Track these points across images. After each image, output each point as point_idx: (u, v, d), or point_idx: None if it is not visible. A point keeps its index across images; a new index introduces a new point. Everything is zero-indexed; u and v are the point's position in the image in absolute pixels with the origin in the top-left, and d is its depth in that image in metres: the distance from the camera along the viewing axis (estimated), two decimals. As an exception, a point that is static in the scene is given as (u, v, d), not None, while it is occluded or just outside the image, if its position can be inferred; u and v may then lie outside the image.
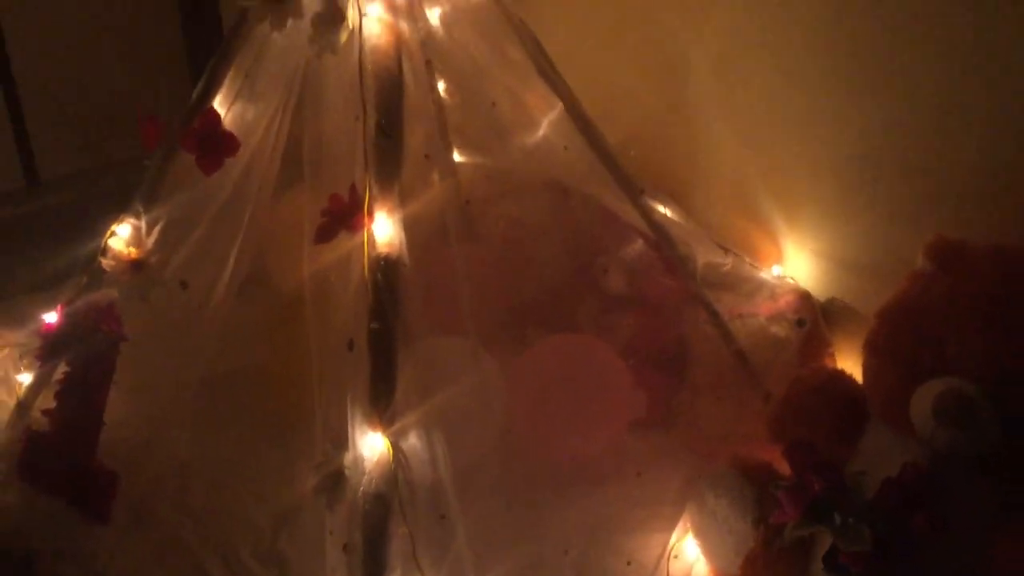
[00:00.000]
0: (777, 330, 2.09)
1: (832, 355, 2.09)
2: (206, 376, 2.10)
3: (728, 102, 2.21)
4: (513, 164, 2.26)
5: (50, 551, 1.89)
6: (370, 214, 1.54)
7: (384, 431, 1.52)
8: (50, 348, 2.02)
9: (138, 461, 2.03)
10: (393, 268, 1.55)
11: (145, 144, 1.92)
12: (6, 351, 2.34)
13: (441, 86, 2.12)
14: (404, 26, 1.62)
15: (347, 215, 1.56)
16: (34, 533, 1.90)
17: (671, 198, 2.19)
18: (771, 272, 2.18)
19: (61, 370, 1.98)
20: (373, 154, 1.55)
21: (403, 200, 1.57)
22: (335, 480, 1.57)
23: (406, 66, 1.80)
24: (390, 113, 1.57)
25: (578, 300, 2.37)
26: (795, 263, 2.17)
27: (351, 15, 1.56)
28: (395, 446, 1.52)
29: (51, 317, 2.05)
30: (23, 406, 2.06)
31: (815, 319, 2.09)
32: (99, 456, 1.99)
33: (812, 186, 2.08)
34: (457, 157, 2.38)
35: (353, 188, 1.57)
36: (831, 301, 2.11)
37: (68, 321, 2.01)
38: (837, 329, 2.09)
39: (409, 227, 1.61)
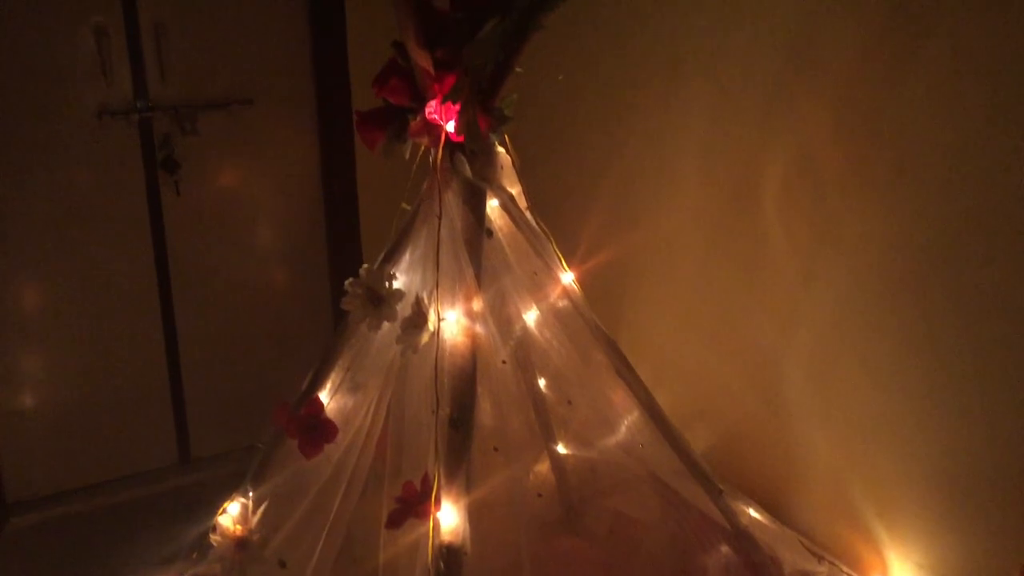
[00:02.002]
0: (881, 647, 1.95)
1: None
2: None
3: (822, 406, 2.21)
4: (616, 458, 2.31)
5: None
6: (437, 502, 1.62)
7: None
8: (158, 620, 2.13)
9: None
10: (456, 556, 1.60)
11: (277, 427, 2.10)
12: (126, 620, 2.46)
13: (542, 382, 2.25)
14: (481, 329, 1.76)
15: (417, 502, 1.64)
16: None
17: (767, 501, 2.15)
18: (873, 583, 2.07)
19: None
20: (443, 445, 1.65)
21: (471, 490, 1.65)
22: None
23: (508, 360, 1.95)
24: (461, 408, 1.68)
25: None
26: (900, 576, 2.06)
27: (431, 319, 1.73)
28: None
29: (164, 590, 2.17)
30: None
31: (924, 638, 1.94)
32: None
33: (910, 493, 2.01)
34: (561, 449, 2.45)
35: (425, 476, 1.66)
36: (940, 618, 1.97)
37: (175, 595, 2.13)
38: (950, 650, 1.93)
39: (483, 516, 1.67)
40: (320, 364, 2.02)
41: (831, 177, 2.10)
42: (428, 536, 1.61)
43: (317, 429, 1.94)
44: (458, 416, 1.68)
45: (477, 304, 1.79)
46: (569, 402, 2.07)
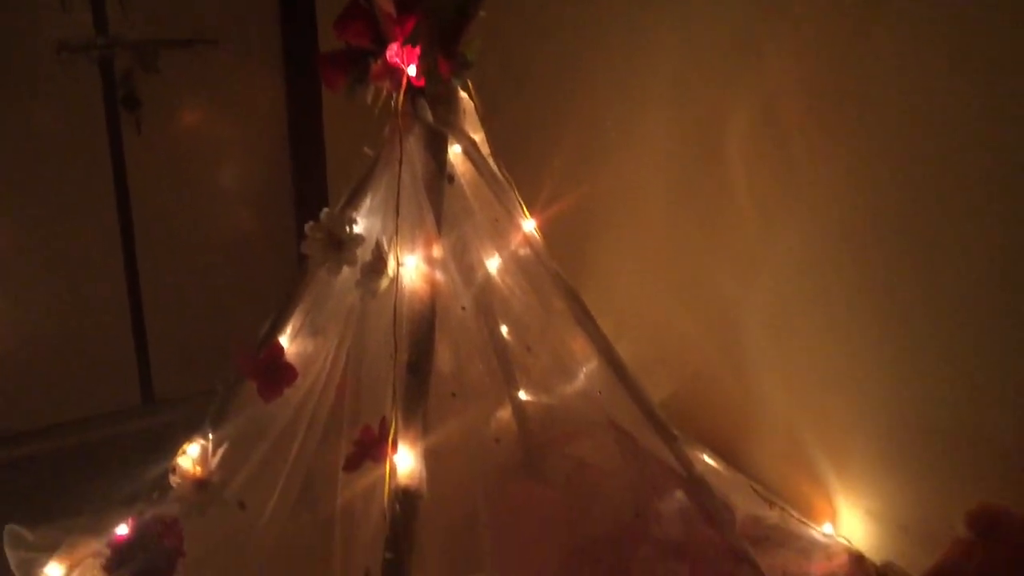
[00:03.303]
0: (829, 592, 2.00)
1: (890, 621, 1.97)
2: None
3: (778, 355, 2.24)
4: (576, 405, 2.33)
5: None
6: (394, 445, 1.63)
7: (388, 662, 1.53)
8: (117, 558, 2.13)
9: None
10: (412, 499, 1.62)
11: (239, 372, 2.10)
12: (88, 560, 2.47)
13: (504, 329, 2.26)
14: (441, 275, 1.76)
15: (374, 446, 1.65)
16: None
17: (723, 448, 2.19)
18: (823, 530, 2.11)
19: (125, 581, 2.09)
20: (401, 390, 1.66)
21: (428, 434, 1.66)
22: None
23: (468, 307, 1.96)
24: (420, 353, 1.69)
25: (636, 546, 2.34)
26: (849, 522, 2.10)
27: (391, 265, 1.72)
28: None
29: (122, 529, 2.18)
30: (92, 615, 2.16)
31: (869, 583, 2.00)
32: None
33: (861, 442, 2.06)
34: (523, 395, 2.47)
35: (383, 420, 1.67)
36: (888, 565, 2.02)
37: (136, 534, 2.14)
38: (895, 596, 1.99)
39: (441, 461, 1.69)
40: (280, 308, 2.02)
41: (794, 127, 2.11)
42: (385, 479, 1.63)
43: (276, 373, 1.94)
44: (416, 361, 1.69)
45: (437, 250, 1.78)
46: (528, 348, 2.09)
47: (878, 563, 2.04)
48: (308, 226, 1.81)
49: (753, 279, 2.28)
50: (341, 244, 1.78)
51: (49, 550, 2.43)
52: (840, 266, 2.06)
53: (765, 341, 2.28)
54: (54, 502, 2.71)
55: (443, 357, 1.81)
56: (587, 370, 2.06)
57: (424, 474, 1.64)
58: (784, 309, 2.22)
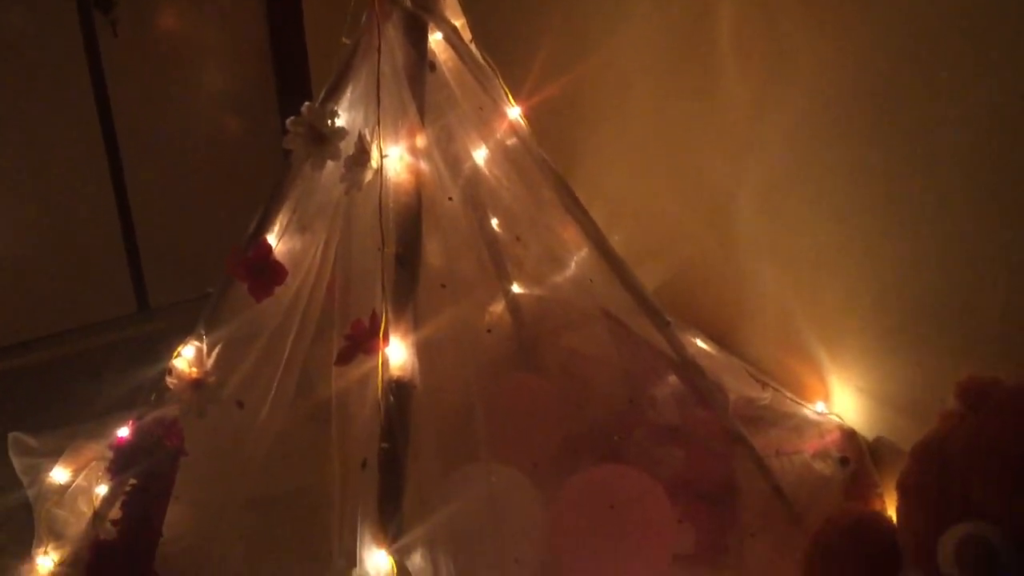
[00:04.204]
0: (821, 468, 2.04)
1: (881, 496, 2.01)
2: (262, 495, 2.19)
3: (772, 239, 2.23)
4: (568, 296, 2.33)
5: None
6: (385, 338, 1.63)
7: (388, 549, 1.56)
8: (120, 461, 2.15)
9: (191, 573, 2.11)
10: (405, 391, 1.63)
11: (230, 273, 2.09)
12: (93, 463, 2.51)
13: (494, 222, 2.25)
14: (426, 166, 1.73)
15: (365, 339, 1.66)
16: (91, 638, 2.00)
17: (716, 332, 2.20)
18: (815, 408, 2.13)
19: (129, 482, 2.12)
20: (390, 282, 1.66)
21: (419, 325, 1.66)
22: (344, 596, 1.62)
23: (457, 201, 1.94)
24: (407, 245, 1.68)
25: (630, 431, 2.38)
26: (841, 400, 2.12)
27: (374, 156, 1.70)
28: (399, 565, 1.56)
29: (123, 432, 2.20)
30: (98, 516, 2.19)
31: (861, 458, 2.03)
32: (156, 566, 2.09)
33: (854, 322, 2.06)
34: (516, 288, 2.47)
35: (374, 314, 1.67)
36: (879, 440, 2.05)
37: (137, 436, 2.16)
38: (885, 470, 2.02)
39: (431, 351, 1.70)
40: (266, 206, 2.00)
41: (784, 8, 2.05)
42: (377, 371, 1.63)
43: (266, 272, 1.93)
44: (404, 253, 1.68)
45: (421, 140, 1.75)
46: (518, 238, 2.07)
47: (869, 439, 2.07)
48: (290, 121, 1.77)
49: (745, 164, 2.25)
50: (323, 138, 1.75)
51: (53, 455, 2.48)
52: (832, 148, 2.03)
53: (757, 225, 2.26)
54: (56, 409, 2.74)
55: (432, 250, 1.80)
56: (578, 259, 2.05)
57: (416, 365, 1.64)
58: (776, 192, 2.20)
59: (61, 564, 2.12)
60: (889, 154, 1.91)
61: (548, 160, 1.97)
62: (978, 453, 1.57)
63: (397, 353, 1.64)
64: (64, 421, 2.64)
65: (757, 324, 2.32)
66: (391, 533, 1.57)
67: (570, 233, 2.04)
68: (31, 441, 2.54)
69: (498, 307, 2.52)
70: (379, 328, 1.64)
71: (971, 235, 1.79)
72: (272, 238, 1.97)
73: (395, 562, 1.56)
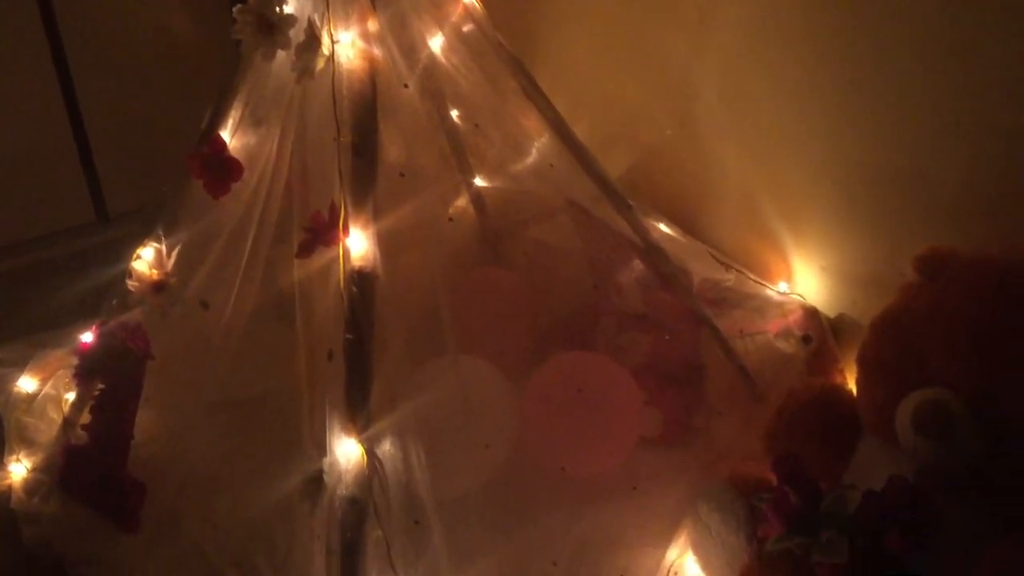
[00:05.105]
0: (784, 346, 2.08)
1: (842, 371, 2.05)
2: (233, 398, 2.19)
3: (732, 120, 2.22)
4: (531, 186, 2.31)
5: (82, 558, 2.01)
6: (345, 229, 1.62)
7: (358, 437, 1.57)
8: (86, 366, 2.15)
9: (165, 474, 2.11)
10: (367, 281, 1.62)
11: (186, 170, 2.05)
12: (60, 371, 2.50)
13: (454, 113, 2.21)
14: (379, 52, 1.69)
15: (324, 230, 1.64)
16: (68, 541, 2.02)
17: (680, 217, 2.20)
18: (778, 289, 2.16)
19: (97, 387, 2.11)
20: (347, 173, 1.63)
21: (379, 216, 1.64)
22: (315, 485, 1.64)
23: (413, 90, 1.89)
24: (363, 134, 1.64)
25: (596, 319, 2.39)
26: (804, 280, 2.15)
27: (325, 42, 1.65)
28: (369, 452, 1.58)
29: (87, 337, 2.19)
30: (68, 422, 2.19)
31: (823, 335, 2.06)
32: (129, 469, 2.11)
33: (816, 202, 2.07)
34: (479, 182, 2.45)
35: (332, 205, 1.65)
36: (840, 317, 2.09)
37: (101, 341, 2.14)
38: (847, 346, 2.06)
39: (393, 242, 1.68)
40: (218, 101, 1.95)
41: None
42: (339, 262, 1.62)
43: (222, 168, 1.90)
44: (360, 142, 1.64)
45: (372, 25, 1.70)
46: (476, 126, 2.04)
47: (831, 316, 2.10)
48: (236, 9, 1.72)
49: (705, 47, 2.22)
50: (272, 26, 1.70)
51: (19, 365, 2.46)
52: (793, 28, 2.00)
53: (719, 108, 2.25)
54: (18, 319, 2.71)
55: (390, 138, 1.76)
56: (539, 145, 2.02)
57: (378, 256, 1.63)
58: (738, 75, 2.18)
59: (34, 470, 2.13)
60: (846, 31, 1.89)
61: (506, 45, 1.92)
62: (936, 321, 1.60)
63: (358, 244, 1.62)
64: (27, 331, 2.61)
65: (720, 207, 2.32)
66: (360, 422, 1.58)
67: (531, 120, 2.01)
68: (-3, 351, 2.52)
69: (462, 201, 2.50)
70: (338, 219, 1.62)
71: (929, 109, 1.79)
72: (226, 134, 1.93)
73: (365, 450, 1.57)
